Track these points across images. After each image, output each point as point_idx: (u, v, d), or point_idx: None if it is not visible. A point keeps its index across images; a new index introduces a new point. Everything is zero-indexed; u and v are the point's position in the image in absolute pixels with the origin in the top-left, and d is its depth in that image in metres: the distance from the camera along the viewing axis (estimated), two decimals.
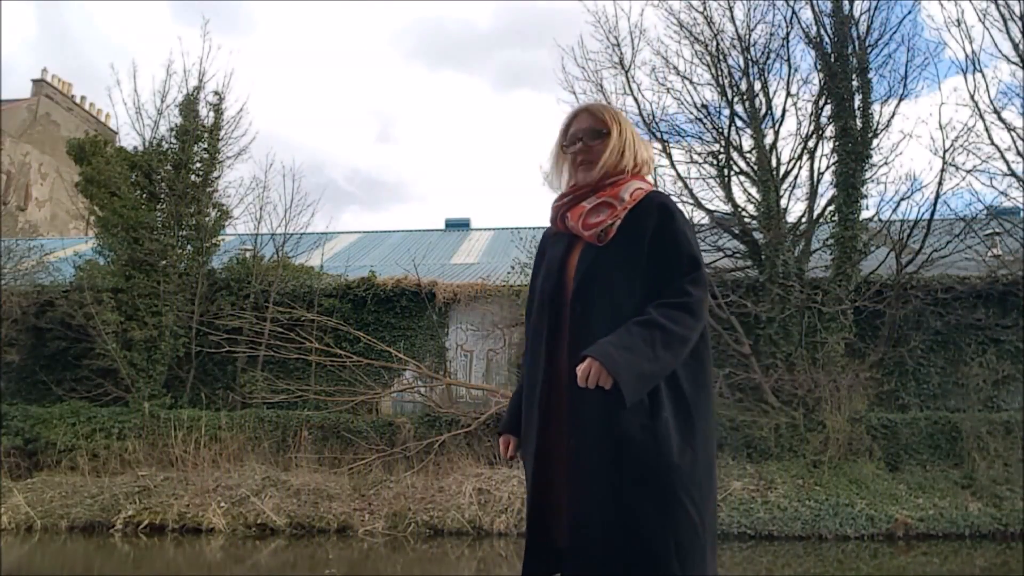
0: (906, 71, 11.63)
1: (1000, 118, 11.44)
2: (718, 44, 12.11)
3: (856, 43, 11.55)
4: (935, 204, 11.44)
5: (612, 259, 1.93)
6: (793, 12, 11.90)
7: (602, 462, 1.81)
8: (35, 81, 24.50)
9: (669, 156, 12.26)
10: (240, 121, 13.13)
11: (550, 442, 1.92)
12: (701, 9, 12.15)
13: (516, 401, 2.15)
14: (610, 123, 2.08)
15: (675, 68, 12.37)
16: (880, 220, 11.81)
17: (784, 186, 11.87)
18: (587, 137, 2.07)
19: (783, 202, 11.72)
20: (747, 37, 12.00)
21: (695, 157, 12.48)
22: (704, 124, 12.34)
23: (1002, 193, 11.81)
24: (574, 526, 1.83)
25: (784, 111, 12.04)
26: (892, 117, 11.53)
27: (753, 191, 11.95)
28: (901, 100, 11.61)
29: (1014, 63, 11.48)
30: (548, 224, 2.18)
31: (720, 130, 12.21)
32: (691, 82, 12.32)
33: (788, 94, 12.06)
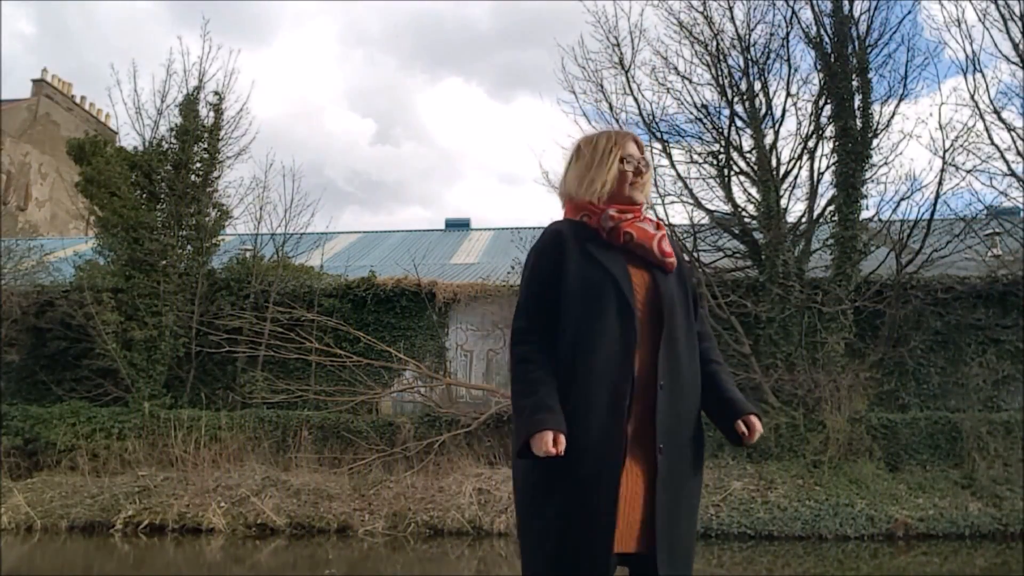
0: (906, 71, 11.65)
1: (1000, 118, 11.45)
2: (718, 44, 12.11)
3: (856, 43, 11.54)
4: (935, 204, 11.46)
5: (680, 289, 2.15)
6: (793, 12, 11.91)
7: (687, 473, 2.03)
8: (35, 81, 24.51)
9: (669, 156, 12.27)
10: (240, 121, 13.13)
11: (632, 449, 1.96)
12: (701, 9, 12.17)
13: (555, 396, 1.96)
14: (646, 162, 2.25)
15: (675, 68, 12.39)
16: (880, 220, 11.81)
17: (784, 186, 11.87)
18: (642, 165, 2.19)
19: (783, 202, 11.73)
20: (747, 37, 12.01)
21: (695, 157, 12.50)
22: (704, 124, 12.35)
23: (1002, 193, 11.83)
24: (666, 532, 1.92)
25: (784, 111, 12.06)
26: (892, 117, 11.55)
27: (753, 191, 11.96)
28: (901, 100, 11.63)
29: (1014, 63, 11.49)
30: (562, 225, 2.16)
31: (720, 130, 12.21)
32: (691, 82, 12.34)
33: (788, 94, 12.08)
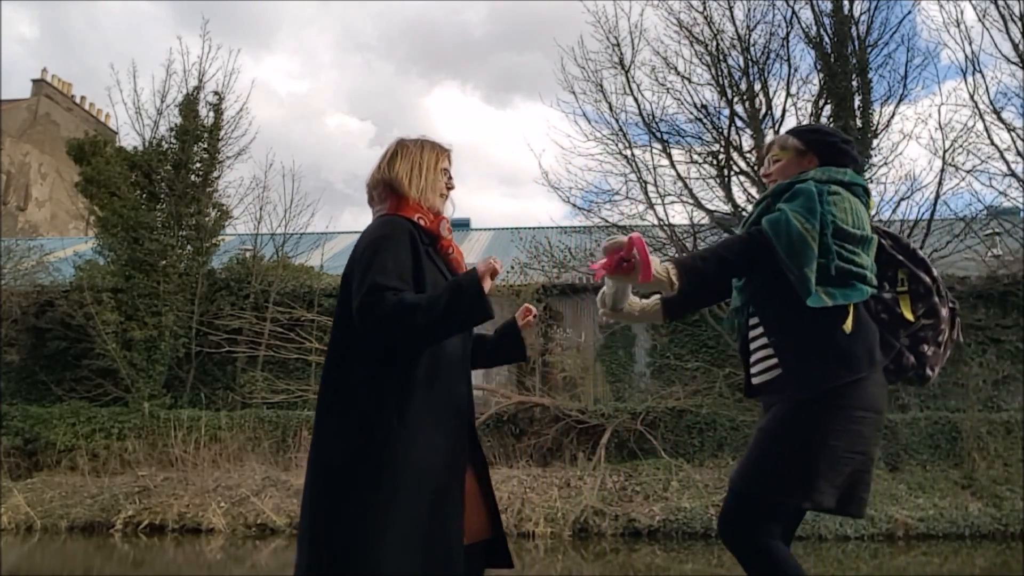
0: (906, 71, 11.62)
1: (1000, 118, 11.45)
2: (718, 44, 12.10)
3: (856, 43, 11.53)
4: (935, 204, 11.43)
5: None
6: (793, 12, 11.88)
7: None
8: (35, 81, 24.54)
9: (669, 156, 12.25)
10: (240, 121, 13.15)
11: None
12: (701, 9, 12.14)
13: None
14: None
15: (675, 68, 12.36)
16: (880, 220, 11.79)
17: None
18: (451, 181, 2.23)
19: None
20: (747, 37, 11.99)
21: (695, 157, 12.47)
22: (704, 124, 12.33)
23: (1002, 193, 11.82)
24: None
25: (784, 111, 12.02)
26: (892, 117, 11.53)
27: (753, 191, 11.94)
28: (901, 100, 11.61)
29: (1014, 63, 11.48)
30: (431, 228, 2.11)
31: (720, 130, 12.19)
32: (691, 82, 12.30)
33: (788, 94, 12.04)
